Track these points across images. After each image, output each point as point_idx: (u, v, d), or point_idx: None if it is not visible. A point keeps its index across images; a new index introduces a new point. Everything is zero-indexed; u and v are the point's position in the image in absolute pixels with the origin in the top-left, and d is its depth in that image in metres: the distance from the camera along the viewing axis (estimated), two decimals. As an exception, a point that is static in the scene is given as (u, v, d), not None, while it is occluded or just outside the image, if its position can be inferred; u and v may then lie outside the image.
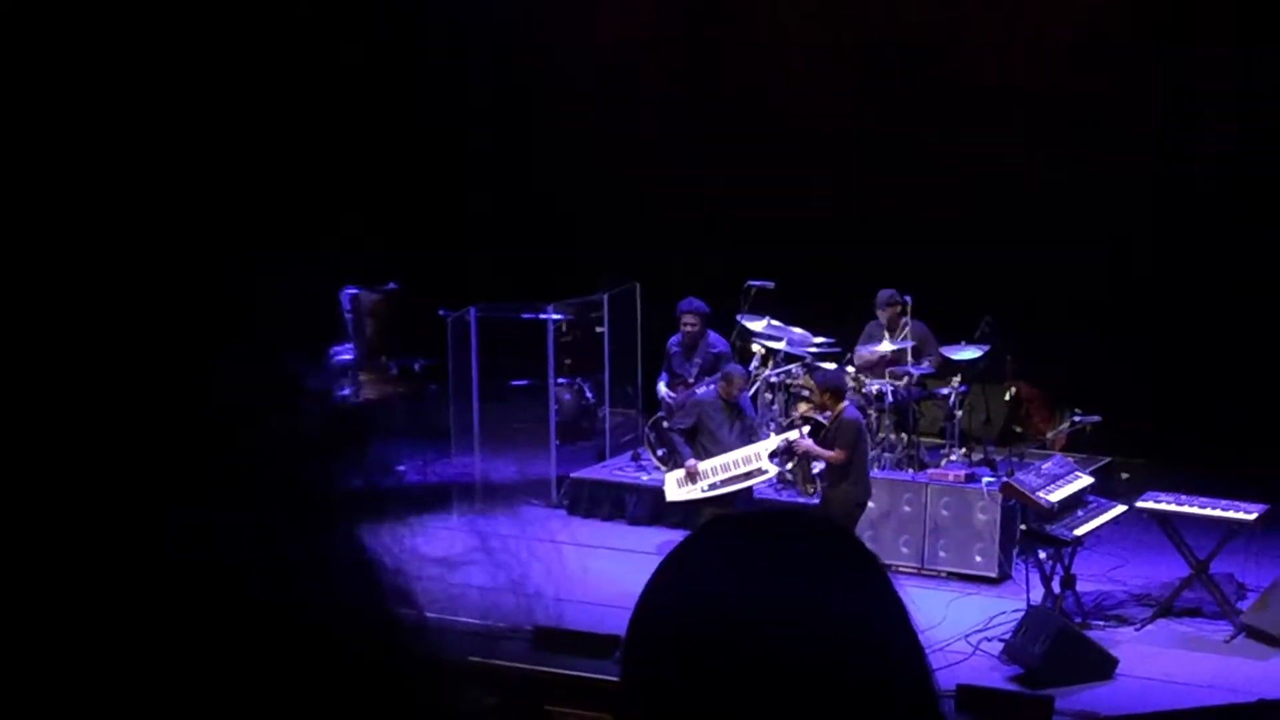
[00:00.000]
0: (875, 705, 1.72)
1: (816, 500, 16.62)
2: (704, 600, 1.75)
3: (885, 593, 1.79)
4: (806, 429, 16.70)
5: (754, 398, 18.05)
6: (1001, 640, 14.78)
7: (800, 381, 18.71)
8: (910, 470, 17.72)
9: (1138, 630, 15.39)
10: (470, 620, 1.45)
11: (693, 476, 16.42)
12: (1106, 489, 17.10)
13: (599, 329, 20.28)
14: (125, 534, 1.20)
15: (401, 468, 1.47)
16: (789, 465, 17.72)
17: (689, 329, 18.46)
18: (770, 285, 19.18)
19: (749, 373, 18.12)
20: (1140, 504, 15.87)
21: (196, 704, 1.19)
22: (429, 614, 1.38)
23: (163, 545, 1.21)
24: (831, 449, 15.65)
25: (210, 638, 1.20)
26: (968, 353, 18.44)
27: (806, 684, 1.69)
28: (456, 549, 1.41)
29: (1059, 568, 15.33)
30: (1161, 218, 20.06)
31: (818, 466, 16.13)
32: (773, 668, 1.69)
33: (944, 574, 16.48)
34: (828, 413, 16.28)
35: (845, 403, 15.99)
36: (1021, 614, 14.90)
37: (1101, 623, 15.49)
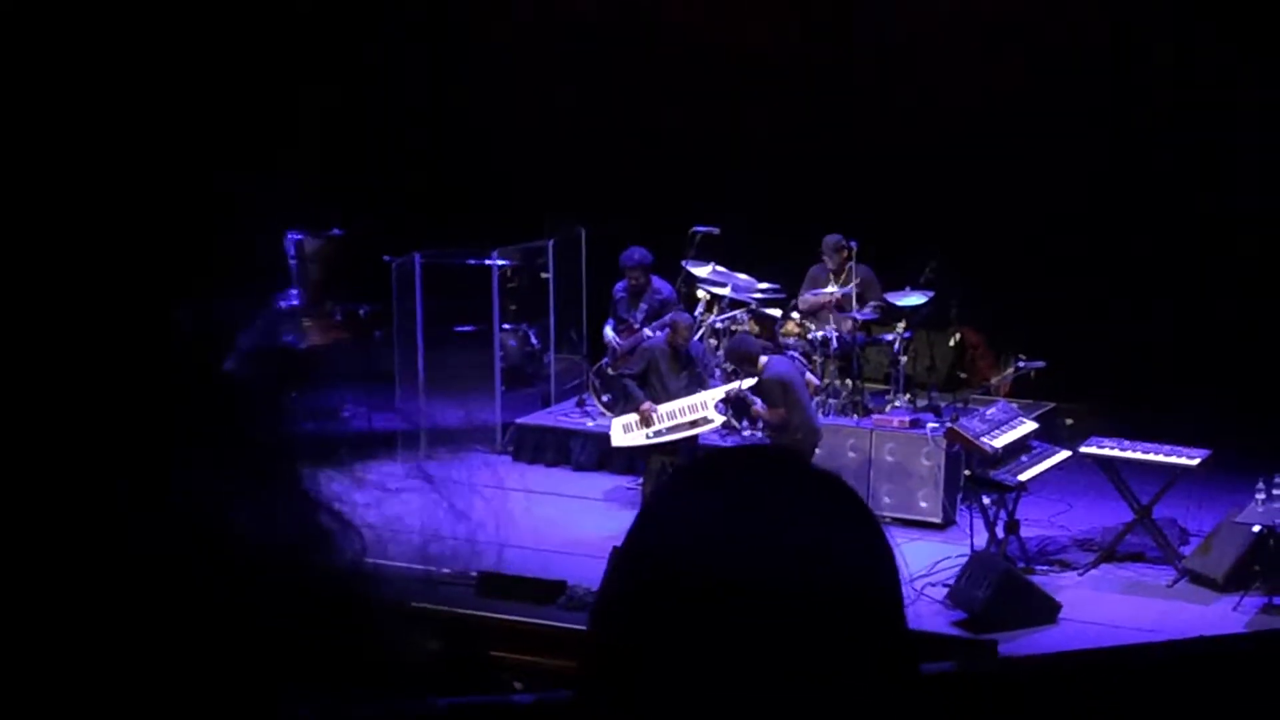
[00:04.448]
0: (856, 650, 1.71)
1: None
2: (695, 537, 1.72)
3: (877, 539, 1.78)
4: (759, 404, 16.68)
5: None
6: (945, 585, 14.84)
7: (745, 327, 18.73)
8: (855, 416, 17.75)
9: (1081, 575, 15.48)
10: (413, 565, 1.43)
11: (648, 419, 16.39)
12: (1050, 434, 17.17)
13: (544, 274, 20.27)
14: (80, 485, 1.19)
15: (346, 413, 1.45)
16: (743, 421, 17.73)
17: (634, 281, 18.41)
18: (715, 231, 19.19)
19: (695, 319, 18.11)
20: (1084, 449, 15.95)
21: (143, 652, 1.18)
22: (371, 559, 1.36)
23: (115, 494, 1.19)
24: (769, 410, 15.73)
25: (159, 588, 1.19)
26: (912, 298, 18.47)
27: (790, 628, 1.67)
28: (400, 488, 1.39)
29: (1003, 513, 15.41)
30: (1104, 159, 20.09)
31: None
32: (758, 610, 1.67)
33: (888, 519, 16.49)
34: (746, 392, 16.32)
35: (762, 361, 16.01)
36: (965, 559, 14.97)
37: (1045, 567, 15.58)
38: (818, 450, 15.98)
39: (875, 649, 1.72)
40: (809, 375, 17.27)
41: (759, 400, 16.10)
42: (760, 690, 1.66)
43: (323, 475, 1.32)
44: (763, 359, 16.11)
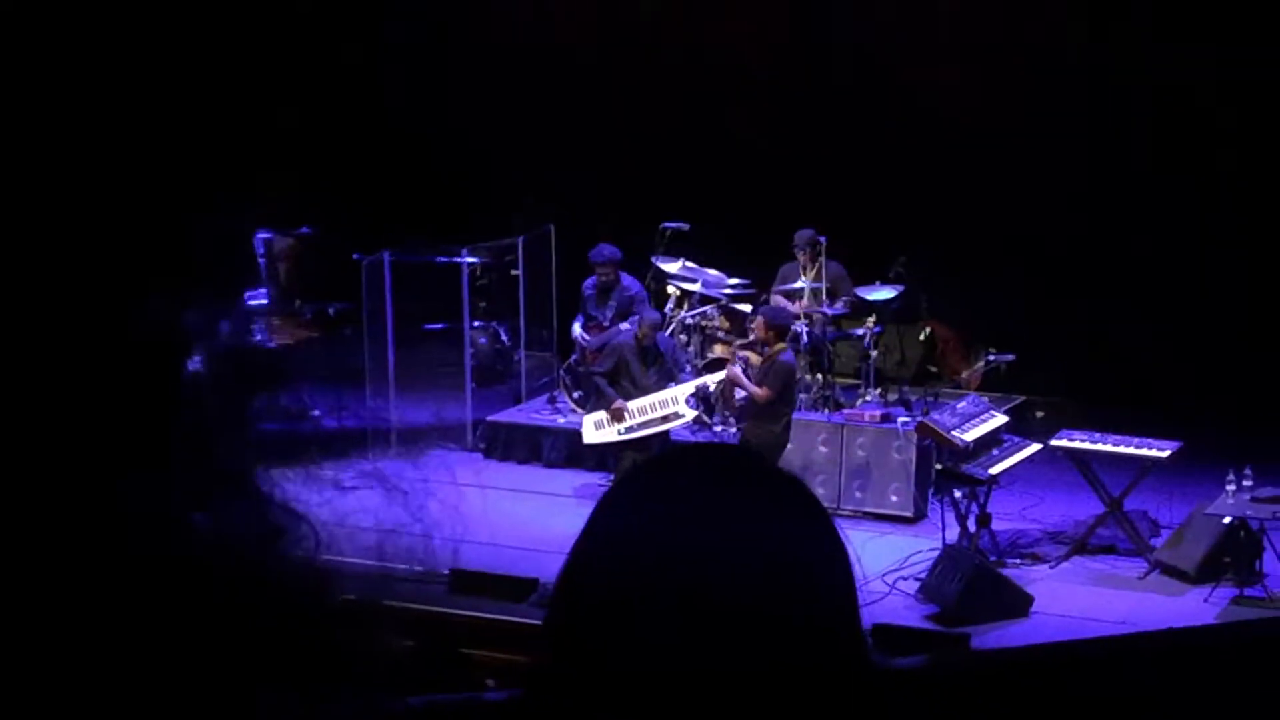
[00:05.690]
0: (810, 648, 1.71)
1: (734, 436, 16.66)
2: (646, 536, 1.73)
3: (829, 536, 1.79)
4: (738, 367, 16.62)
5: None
6: (918, 579, 14.86)
7: (715, 323, 18.74)
8: (826, 411, 17.75)
9: (1053, 568, 15.51)
10: (367, 561, 1.43)
11: (620, 416, 16.39)
12: (1021, 428, 17.21)
13: (514, 272, 20.26)
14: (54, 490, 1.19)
15: (316, 412, 1.45)
16: (715, 389, 17.66)
17: (604, 277, 18.40)
18: (685, 227, 19.20)
19: (664, 316, 18.11)
20: (1055, 442, 15.97)
21: (111, 654, 1.17)
22: (340, 558, 1.36)
23: (76, 494, 1.19)
24: (760, 386, 15.62)
25: (123, 589, 1.18)
26: (882, 293, 18.49)
27: (743, 627, 1.68)
28: (356, 486, 1.39)
29: (974, 506, 15.42)
30: (1072, 154, 20.09)
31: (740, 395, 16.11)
32: (710, 609, 1.68)
33: (860, 514, 16.53)
34: (744, 354, 16.30)
35: (784, 344, 15.99)
36: (937, 553, 14.99)
37: (1017, 561, 15.61)
38: (789, 445, 15.97)
39: (829, 645, 1.73)
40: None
41: (744, 365, 16.01)
42: (716, 684, 1.66)
43: (278, 474, 1.31)
44: (784, 343, 16.07)
